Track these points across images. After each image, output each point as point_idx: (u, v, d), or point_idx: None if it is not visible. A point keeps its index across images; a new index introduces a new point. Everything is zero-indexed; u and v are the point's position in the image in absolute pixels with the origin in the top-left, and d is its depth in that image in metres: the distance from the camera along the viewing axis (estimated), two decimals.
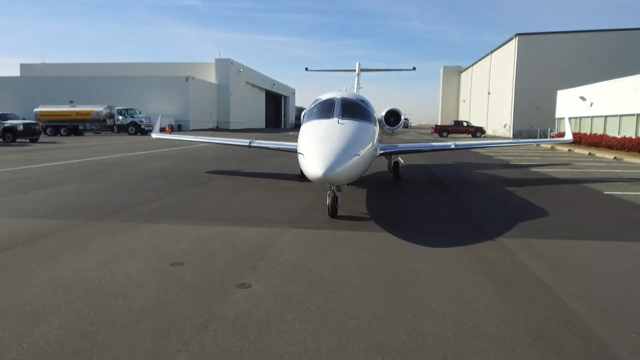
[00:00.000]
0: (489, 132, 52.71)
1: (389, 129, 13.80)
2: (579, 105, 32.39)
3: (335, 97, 9.22)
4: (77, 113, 43.14)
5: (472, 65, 69.62)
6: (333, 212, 8.05)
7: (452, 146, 12.88)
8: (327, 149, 7.12)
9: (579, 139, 27.91)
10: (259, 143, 13.42)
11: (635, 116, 25.21)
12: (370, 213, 8.70)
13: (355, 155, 7.35)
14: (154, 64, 73.05)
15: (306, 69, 21.40)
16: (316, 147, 7.26)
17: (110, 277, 5.03)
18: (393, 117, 14.03)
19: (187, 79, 61.84)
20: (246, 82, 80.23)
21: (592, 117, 30.55)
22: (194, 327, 3.85)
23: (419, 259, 5.81)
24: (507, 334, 3.80)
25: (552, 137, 36.00)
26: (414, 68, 21.31)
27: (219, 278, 5.02)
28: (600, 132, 28.84)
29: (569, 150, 26.86)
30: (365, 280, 5.02)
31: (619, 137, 25.46)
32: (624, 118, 26.59)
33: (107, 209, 8.74)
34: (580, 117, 32.35)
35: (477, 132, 48.60)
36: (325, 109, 8.97)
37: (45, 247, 6.16)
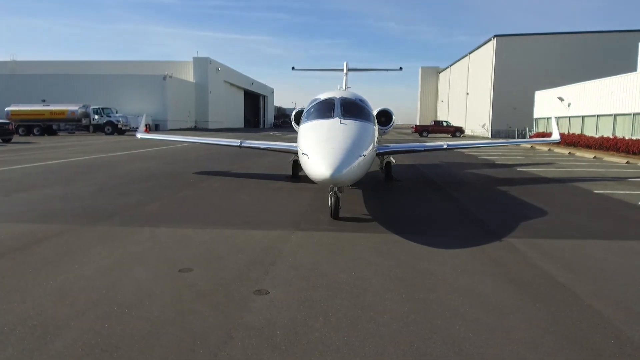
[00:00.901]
0: (467, 132, 53.44)
1: (380, 128, 13.74)
2: (557, 105, 33.13)
3: (335, 97, 9.09)
4: (51, 112, 41.82)
5: (450, 65, 70.54)
6: (335, 213, 7.91)
7: (445, 146, 12.91)
8: (333, 150, 6.99)
9: None
10: (250, 143, 13.18)
11: (612, 116, 25.92)
12: (371, 214, 8.61)
13: (360, 156, 7.24)
14: (129, 62, 71.49)
15: (293, 68, 21.21)
16: (321, 148, 7.11)
17: (119, 285, 4.77)
18: (384, 117, 13.99)
19: (164, 77, 60.74)
20: (225, 81, 79.31)
21: (570, 117, 31.29)
22: (219, 337, 3.66)
23: (432, 260, 5.73)
24: (542, 338, 3.73)
25: (531, 136, 36.72)
26: (401, 68, 21.38)
27: (234, 284, 4.83)
28: (577, 131, 29.57)
29: (549, 149, 27.42)
30: (386, 284, 4.90)
31: (597, 136, 26.11)
32: (601, 118, 27.31)
33: (99, 212, 8.40)
34: (558, 117, 33.05)
35: (457, 132, 49.24)
36: (325, 109, 8.83)
37: (41, 253, 5.83)
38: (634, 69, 30.81)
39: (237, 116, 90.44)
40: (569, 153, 24.82)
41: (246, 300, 4.43)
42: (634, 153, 21.81)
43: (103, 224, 7.49)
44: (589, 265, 5.69)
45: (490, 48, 49.14)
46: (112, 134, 42.96)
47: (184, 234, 6.91)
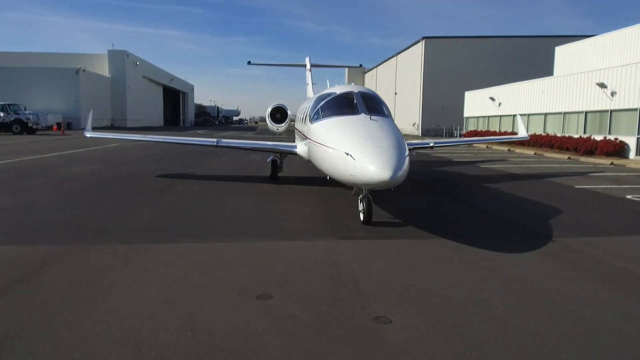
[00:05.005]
0: None
1: None
2: (487, 105, 35.01)
3: (353, 91, 8.39)
4: None
5: (377, 66, 72.24)
6: (369, 218, 7.26)
7: (431, 144, 12.78)
8: (383, 149, 6.33)
9: (491, 136, 30.05)
10: (228, 142, 12.05)
11: (543, 115, 27.83)
12: (397, 217, 8.06)
13: (407, 155, 6.68)
14: (35, 54, 64.45)
15: (249, 62, 19.92)
16: (369, 147, 6.40)
17: (199, 323, 3.74)
18: None
19: (77, 71, 55.40)
20: (143, 77, 74.39)
21: (501, 116, 33.19)
22: None
23: (515, 267, 5.34)
24: None
25: (463, 135, 38.54)
26: (361, 65, 21.13)
27: (340, 312, 4.01)
28: (509, 129, 31.42)
29: (487, 147, 28.82)
30: (505, 299, 4.37)
31: (529, 134, 27.87)
32: (531, 117, 29.21)
33: (84, 226, 6.96)
34: (489, 117, 35.01)
35: None
36: (345, 104, 8.13)
37: (54, 285, 4.53)
38: (552, 73, 33.54)
39: (156, 114, 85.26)
40: (508, 150, 26.23)
41: (375, 332, 3.65)
42: (567, 149, 23.51)
43: (104, 241, 6.15)
44: None
45: (419, 49, 50.88)
46: (21, 133, 38.14)
47: (216, 249, 5.87)
